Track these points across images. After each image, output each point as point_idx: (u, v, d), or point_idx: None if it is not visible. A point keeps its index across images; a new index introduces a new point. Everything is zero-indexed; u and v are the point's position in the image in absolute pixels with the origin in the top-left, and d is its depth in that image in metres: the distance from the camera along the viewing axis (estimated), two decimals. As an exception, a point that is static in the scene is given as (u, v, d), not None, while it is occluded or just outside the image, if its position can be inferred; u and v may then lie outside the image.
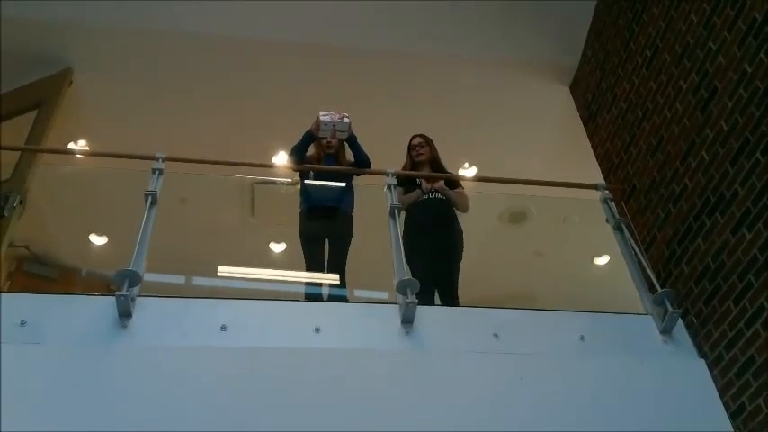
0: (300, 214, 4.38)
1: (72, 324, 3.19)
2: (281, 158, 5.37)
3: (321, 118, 4.24)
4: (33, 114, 5.01)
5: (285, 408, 2.99)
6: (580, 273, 5.14)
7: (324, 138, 4.36)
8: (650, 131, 4.23)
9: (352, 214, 4.39)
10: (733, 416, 3.15)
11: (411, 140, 4.65)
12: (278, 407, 2.99)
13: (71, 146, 5.56)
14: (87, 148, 5.70)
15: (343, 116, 4.27)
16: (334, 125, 4.25)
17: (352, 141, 4.36)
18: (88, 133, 5.66)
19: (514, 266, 5.15)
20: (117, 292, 3.19)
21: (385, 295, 3.88)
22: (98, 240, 5.03)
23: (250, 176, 4.83)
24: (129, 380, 3.03)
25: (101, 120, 5.64)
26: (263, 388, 3.04)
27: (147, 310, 3.29)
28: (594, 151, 5.02)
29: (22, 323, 3.12)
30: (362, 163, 4.37)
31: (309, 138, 4.35)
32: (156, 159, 4.00)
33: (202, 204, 4.91)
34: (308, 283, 4.16)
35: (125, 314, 3.22)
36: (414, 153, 4.59)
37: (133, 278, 3.28)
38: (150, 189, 3.83)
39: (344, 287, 4.08)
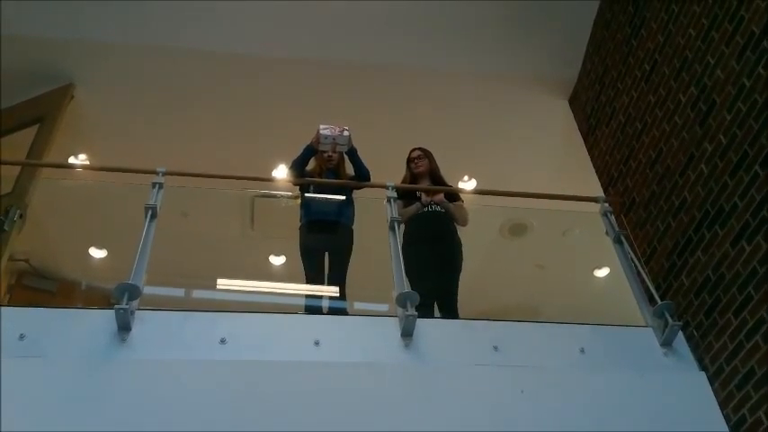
0: (300, 228, 4.38)
1: (71, 338, 3.18)
2: (281, 172, 5.39)
3: (321, 131, 4.24)
4: (35, 129, 5.03)
5: (284, 421, 2.97)
6: (580, 285, 5.14)
7: (324, 151, 4.37)
8: (649, 144, 4.25)
9: (353, 227, 4.39)
10: (734, 428, 3.14)
11: (410, 153, 4.67)
12: (277, 420, 2.97)
13: (72, 160, 5.58)
14: (88, 163, 5.72)
15: (344, 129, 4.27)
16: (334, 138, 4.25)
17: (353, 154, 4.37)
18: (89, 147, 5.69)
19: (515, 279, 5.15)
20: (116, 306, 3.19)
21: (385, 308, 3.88)
22: (98, 254, 5.04)
23: (250, 190, 4.83)
24: (128, 394, 3.02)
25: (102, 134, 5.67)
26: (263, 401, 3.03)
27: (147, 323, 3.28)
28: (594, 164, 5.04)
29: (22, 337, 3.11)
30: (363, 176, 4.37)
31: (310, 151, 4.35)
32: (157, 173, 4.01)
33: (202, 218, 4.91)
34: (308, 296, 4.15)
35: (124, 328, 3.21)
36: (412, 165, 4.61)
37: (133, 291, 3.28)
38: (150, 203, 3.83)
39: (344, 300, 4.07)
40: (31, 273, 4.78)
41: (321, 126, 4.26)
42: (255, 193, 4.90)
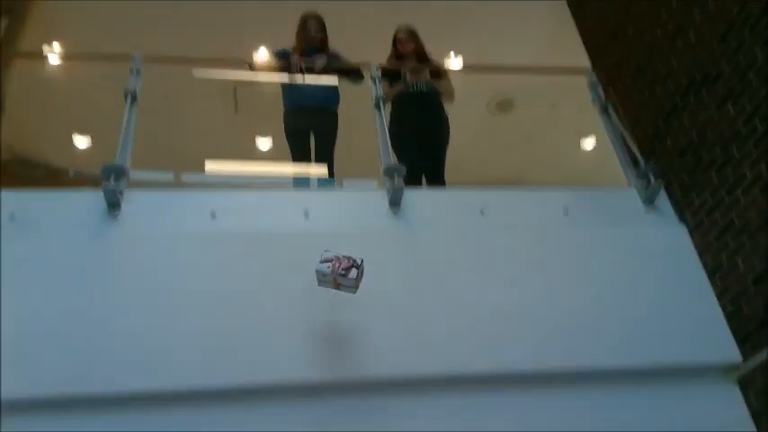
0: (285, 113, 4.34)
1: (62, 216, 3.19)
2: (263, 54, 5.25)
3: (318, 268, 2.81)
4: (4, 22, 4.85)
5: (275, 290, 3.01)
6: (568, 155, 5.15)
7: (307, 36, 4.22)
8: (638, 14, 4.14)
9: (337, 111, 4.35)
10: (711, 273, 3.25)
11: (396, 33, 4.56)
12: (268, 289, 3.02)
13: (45, 49, 5.38)
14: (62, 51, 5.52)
15: (351, 267, 2.79)
16: (335, 278, 2.82)
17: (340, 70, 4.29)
18: (62, 38, 5.48)
19: (502, 153, 5.15)
20: (104, 184, 3.20)
21: (373, 186, 3.89)
22: (82, 141, 4.99)
23: (232, 74, 4.73)
24: (120, 267, 3.08)
25: (75, 24, 5.45)
26: (253, 272, 3.06)
27: (136, 201, 3.30)
28: (582, 37, 4.92)
29: (12, 217, 3.13)
30: (355, 76, 4.32)
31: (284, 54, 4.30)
32: (133, 59, 3.91)
33: (185, 103, 4.83)
34: (295, 177, 4.17)
35: (114, 205, 3.23)
36: (399, 46, 4.52)
37: (119, 172, 3.29)
38: (129, 88, 3.77)
39: (332, 178, 4.09)
40: (16, 161, 4.75)
41: (318, 262, 2.82)
42: (237, 80, 4.80)
